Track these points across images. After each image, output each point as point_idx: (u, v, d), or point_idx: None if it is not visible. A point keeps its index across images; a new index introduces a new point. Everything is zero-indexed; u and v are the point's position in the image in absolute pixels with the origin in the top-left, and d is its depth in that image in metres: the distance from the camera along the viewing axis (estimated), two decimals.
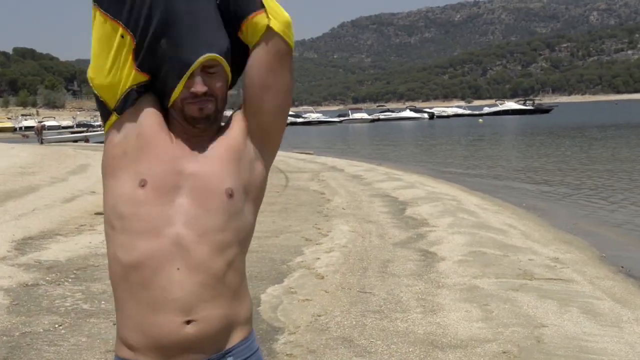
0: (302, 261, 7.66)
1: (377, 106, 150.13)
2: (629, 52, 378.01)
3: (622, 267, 7.97)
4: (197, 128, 1.62)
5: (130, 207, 1.60)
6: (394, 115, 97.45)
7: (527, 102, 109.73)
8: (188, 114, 1.58)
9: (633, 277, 7.50)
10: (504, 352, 4.82)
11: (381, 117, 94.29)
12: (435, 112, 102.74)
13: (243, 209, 1.67)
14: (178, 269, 1.56)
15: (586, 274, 7.32)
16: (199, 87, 1.55)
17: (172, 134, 1.64)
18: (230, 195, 1.62)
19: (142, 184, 1.58)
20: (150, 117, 1.63)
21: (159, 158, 1.60)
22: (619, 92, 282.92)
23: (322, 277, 6.85)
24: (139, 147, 1.61)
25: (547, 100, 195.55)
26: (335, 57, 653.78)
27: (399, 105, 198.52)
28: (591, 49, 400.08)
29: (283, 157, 25.76)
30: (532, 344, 4.98)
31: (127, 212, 1.60)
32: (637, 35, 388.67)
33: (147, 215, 1.58)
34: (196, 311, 1.57)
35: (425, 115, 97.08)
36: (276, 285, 6.59)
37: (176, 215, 1.58)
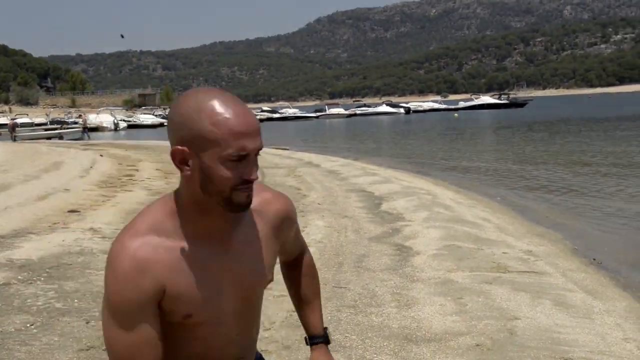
0: None
1: (354, 101, 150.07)
2: (602, 46, 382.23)
3: (594, 259, 8.07)
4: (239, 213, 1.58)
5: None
6: (370, 110, 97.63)
7: (502, 96, 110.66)
8: (235, 201, 1.50)
9: (604, 269, 7.60)
10: (478, 345, 4.85)
11: (357, 112, 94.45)
12: (411, 106, 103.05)
13: None
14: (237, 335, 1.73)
15: (559, 266, 7.40)
16: (255, 174, 1.51)
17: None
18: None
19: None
20: None
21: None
22: (592, 85, 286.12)
23: None
24: None
25: (521, 94, 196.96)
26: (311, 52, 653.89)
27: (376, 100, 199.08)
28: (565, 43, 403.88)
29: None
30: (505, 337, 5.03)
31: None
32: (609, 30, 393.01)
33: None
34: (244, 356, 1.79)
35: (402, 110, 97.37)
36: None
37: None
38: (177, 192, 1.55)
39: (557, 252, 8.30)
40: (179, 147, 1.45)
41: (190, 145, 1.44)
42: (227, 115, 1.42)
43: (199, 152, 1.44)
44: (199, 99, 1.44)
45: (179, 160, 1.47)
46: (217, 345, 1.68)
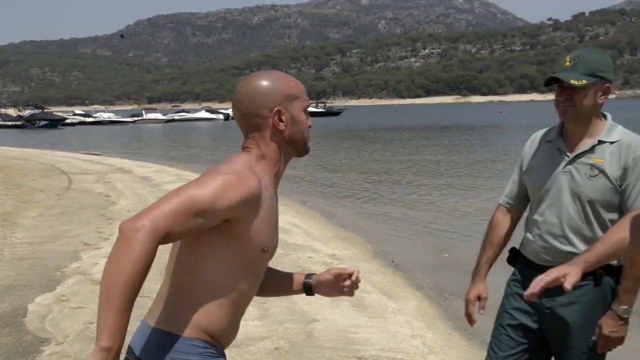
0: (78, 267, 7.34)
1: (173, 106, 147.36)
2: (412, 59, 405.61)
3: (392, 261, 8.54)
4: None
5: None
6: (189, 115, 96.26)
7: (319, 104, 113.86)
8: (308, 145, 2.01)
9: (401, 270, 8.07)
10: (277, 349, 4.96)
11: (176, 117, 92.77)
12: (230, 113, 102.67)
13: None
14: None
15: (359, 269, 7.72)
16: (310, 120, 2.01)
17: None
18: None
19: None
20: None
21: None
22: (402, 96, 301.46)
23: (99, 283, 6.60)
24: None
25: (337, 103, 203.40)
26: (130, 55, 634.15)
27: (195, 105, 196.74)
28: (379, 55, 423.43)
29: (67, 159, 24.58)
30: (304, 339, 5.18)
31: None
32: (419, 44, 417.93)
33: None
34: None
35: (221, 116, 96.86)
36: (47, 294, 6.26)
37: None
38: (250, 150, 1.91)
39: (360, 255, 8.69)
40: (277, 107, 1.88)
41: (282, 105, 1.90)
42: (296, 80, 1.96)
43: (289, 107, 1.91)
44: (272, 74, 1.94)
45: (278, 117, 1.89)
46: (245, 304, 1.95)
